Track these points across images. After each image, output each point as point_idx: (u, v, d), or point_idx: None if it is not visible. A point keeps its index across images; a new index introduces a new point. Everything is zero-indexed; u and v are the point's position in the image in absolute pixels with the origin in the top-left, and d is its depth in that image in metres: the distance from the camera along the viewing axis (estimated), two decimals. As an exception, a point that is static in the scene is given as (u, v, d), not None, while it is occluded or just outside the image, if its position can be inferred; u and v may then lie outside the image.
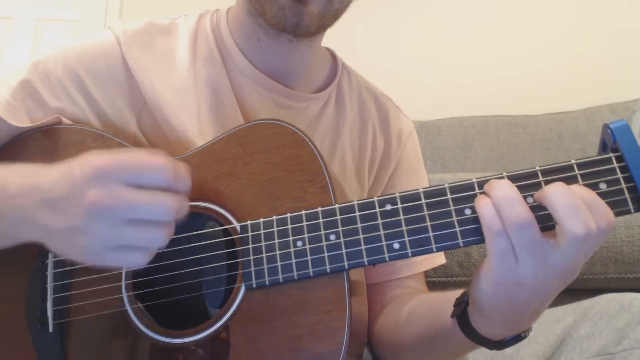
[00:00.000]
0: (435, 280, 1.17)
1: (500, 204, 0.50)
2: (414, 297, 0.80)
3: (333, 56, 0.92)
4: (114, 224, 0.51)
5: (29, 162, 0.71)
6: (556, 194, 0.49)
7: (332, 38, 0.86)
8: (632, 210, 0.50)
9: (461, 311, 0.60)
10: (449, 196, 0.55)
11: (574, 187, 0.50)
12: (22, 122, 0.71)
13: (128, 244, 0.52)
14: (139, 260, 0.53)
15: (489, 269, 0.52)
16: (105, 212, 0.51)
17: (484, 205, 0.51)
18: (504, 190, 0.50)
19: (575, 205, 0.48)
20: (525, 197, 0.52)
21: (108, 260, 0.53)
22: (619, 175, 0.51)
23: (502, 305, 0.54)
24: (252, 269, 0.60)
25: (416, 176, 0.92)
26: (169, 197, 0.52)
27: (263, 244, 0.60)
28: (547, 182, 0.52)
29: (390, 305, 0.82)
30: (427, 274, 0.89)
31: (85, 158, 0.53)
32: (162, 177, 0.52)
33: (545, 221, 0.50)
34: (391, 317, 0.80)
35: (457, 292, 0.63)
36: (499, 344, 0.59)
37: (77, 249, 0.54)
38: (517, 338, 0.58)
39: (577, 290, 1.14)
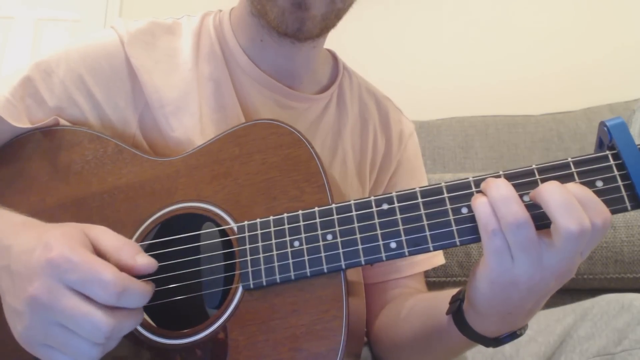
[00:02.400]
0: (435, 280, 1.17)
1: (496, 202, 0.50)
2: (412, 297, 0.80)
3: (334, 57, 0.93)
4: (48, 323, 0.50)
5: (28, 165, 0.72)
6: (549, 192, 0.48)
7: (333, 39, 0.86)
8: (629, 207, 0.50)
9: (456, 308, 0.60)
10: (445, 195, 0.55)
11: (570, 185, 0.49)
12: (21, 121, 0.71)
13: (56, 347, 0.50)
14: None
15: (485, 268, 0.52)
16: (41, 309, 0.49)
17: (480, 204, 0.51)
18: (500, 189, 0.50)
19: (568, 203, 0.48)
20: (521, 196, 0.51)
21: (39, 354, 0.52)
22: (616, 172, 0.51)
23: (497, 304, 0.54)
24: (250, 269, 0.60)
25: (416, 177, 0.92)
26: (102, 317, 0.49)
27: (260, 244, 0.60)
28: (543, 181, 0.51)
29: (389, 305, 0.83)
30: (427, 274, 0.89)
31: (54, 238, 0.51)
32: (103, 294, 0.49)
33: (541, 220, 0.50)
34: (389, 316, 0.80)
35: (454, 291, 0.63)
36: (495, 341, 0.59)
37: (16, 331, 0.53)
38: (513, 335, 0.59)
39: (577, 290, 1.14)
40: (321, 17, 0.72)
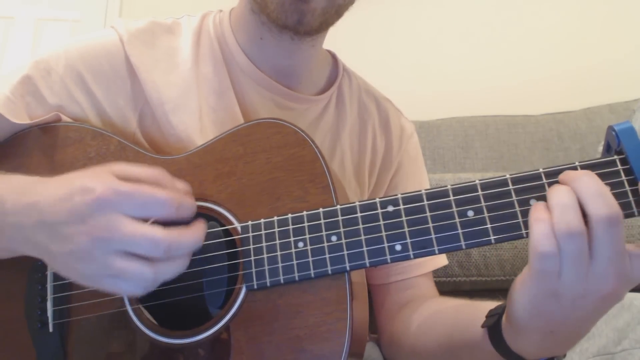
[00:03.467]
0: (435, 280, 1.17)
1: (559, 209, 0.47)
2: (431, 300, 0.80)
3: (334, 58, 0.93)
4: (108, 253, 0.51)
5: (29, 160, 0.72)
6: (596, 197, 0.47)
7: (333, 38, 0.86)
8: (636, 213, 0.50)
9: (494, 322, 0.57)
10: (451, 198, 0.54)
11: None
12: (21, 118, 0.71)
13: (118, 275, 0.52)
14: (132, 290, 0.54)
15: (528, 281, 0.50)
16: (101, 242, 0.51)
17: (537, 221, 0.48)
18: (562, 197, 0.48)
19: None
20: (528, 200, 0.51)
21: (104, 286, 0.53)
22: (623, 177, 0.50)
23: (538, 320, 0.51)
24: (253, 269, 0.60)
25: (417, 178, 0.92)
26: (162, 233, 0.51)
27: (264, 244, 0.60)
28: (550, 185, 0.51)
29: (406, 308, 0.82)
30: (427, 274, 0.90)
31: (88, 180, 0.53)
32: (163, 211, 0.52)
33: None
34: (408, 320, 0.79)
35: (490, 303, 0.61)
36: None
37: (76, 272, 0.54)
38: None
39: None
40: (321, 10, 0.71)
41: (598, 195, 0.47)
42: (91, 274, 0.53)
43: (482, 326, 0.59)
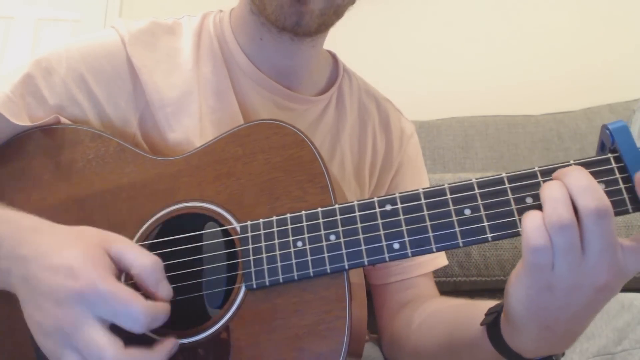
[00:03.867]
0: (435, 280, 1.17)
1: (550, 202, 0.48)
2: (432, 299, 0.80)
3: (335, 59, 0.93)
4: (64, 346, 0.52)
5: (29, 163, 0.72)
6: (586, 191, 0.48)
7: (332, 39, 0.86)
8: (630, 210, 0.50)
9: (492, 320, 0.58)
10: (448, 196, 0.55)
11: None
12: (21, 119, 0.71)
13: None
14: None
15: (523, 275, 0.51)
16: (63, 333, 0.52)
17: (529, 215, 0.49)
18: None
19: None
20: (524, 198, 0.52)
21: None
22: (618, 175, 0.51)
23: (533, 313, 0.52)
24: (252, 269, 0.60)
25: (418, 178, 0.92)
26: (116, 353, 0.51)
27: (263, 244, 0.60)
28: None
29: (407, 307, 0.82)
30: (427, 274, 0.90)
31: (78, 262, 0.53)
32: (133, 326, 0.52)
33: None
34: (409, 319, 0.79)
35: (489, 302, 0.61)
36: None
37: (38, 338, 0.55)
38: (548, 359, 0.56)
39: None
40: (319, 12, 0.71)
41: (587, 189, 0.47)
42: (48, 351, 0.55)
43: (481, 324, 0.60)
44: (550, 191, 0.48)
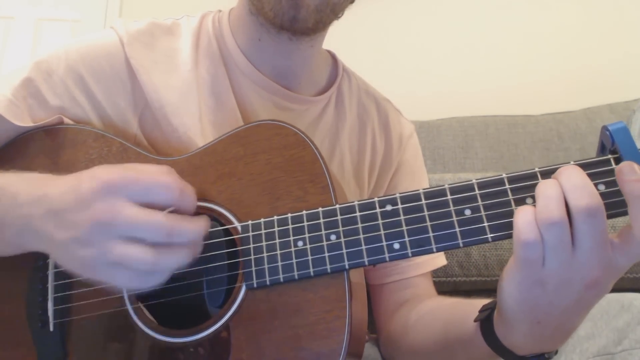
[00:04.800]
0: (435, 281, 1.17)
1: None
2: (429, 299, 0.80)
3: (334, 59, 0.93)
4: (110, 238, 0.52)
5: (32, 162, 0.72)
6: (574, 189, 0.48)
7: (332, 38, 0.86)
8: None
9: (485, 317, 0.59)
10: (449, 197, 0.55)
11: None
12: (24, 121, 0.72)
13: (118, 262, 0.52)
14: (130, 281, 0.53)
15: (514, 270, 0.51)
16: (103, 226, 0.52)
17: (521, 210, 0.50)
18: (548, 189, 0.49)
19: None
20: (524, 198, 0.52)
21: (100, 276, 0.54)
22: None
23: (525, 309, 0.52)
24: (253, 268, 0.60)
25: (417, 178, 0.92)
26: (164, 217, 0.52)
27: (264, 243, 0.60)
28: None
29: (405, 306, 0.83)
30: (427, 274, 0.90)
31: (95, 171, 0.54)
32: (167, 196, 0.53)
33: None
34: (406, 318, 0.80)
35: (484, 300, 0.62)
36: (520, 359, 0.57)
37: (76, 261, 0.55)
38: (540, 357, 0.56)
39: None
40: (315, 7, 0.71)
41: (578, 187, 0.48)
42: (91, 262, 0.53)
43: (475, 320, 0.60)
44: (544, 189, 0.49)
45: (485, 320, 0.59)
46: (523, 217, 0.49)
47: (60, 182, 0.57)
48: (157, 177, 0.53)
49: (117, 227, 0.51)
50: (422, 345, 0.73)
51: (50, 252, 0.57)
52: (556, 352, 0.58)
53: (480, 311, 0.61)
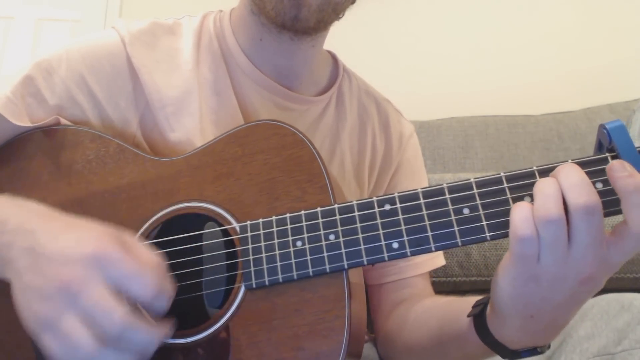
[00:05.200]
0: (435, 280, 1.17)
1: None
2: (426, 298, 0.81)
3: (334, 59, 0.93)
4: (68, 309, 0.50)
5: (29, 163, 0.72)
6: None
7: (333, 38, 0.86)
8: None
9: (478, 312, 0.59)
10: (447, 196, 0.55)
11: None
12: (22, 120, 0.72)
13: (62, 335, 0.50)
14: (63, 354, 0.50)
15: (509, 265, 0.52)
16: (68, 293, 0.50)
17: (517, 206, 0.50)
18: (546, 188, 0.49)
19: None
20: (522, 197, 0.52)
21: (44, 339, 0.51)
22: None
23: (518, 304, 0.53)
24: (252, 269, 0.60)
25: (417, 178, 0.92)
26: (124, 315, 0.49)
27: (262, 244, 0.60)
28: None
29: (402, 305, 0.83)
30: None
31: (91, 232, 0.53)
32: (141, 292, 0.51)
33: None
34: (403, 318, 0.80)
35: (477, 297, 0.62)
36: (513, 354, 0.58)
37: (30, 312, 0.52)
38: (533, 351, 0.57)
39: (577, 290, 1.14)
40: (317, 7, 0.71)
41: (576, 185, 0.48)
42: (42, 319, 0.51)
43: (468, 315, 0.61)
44: (543, 186, 0.49)
45: (478, 315, 0.59)
46: (519, 213, 0.49)
47: (52, 225, 0.55)
48: (140, 270, 0.51)
49: (79, 301, 0.50)
50: (418, 343, 0.73)
51: (13, 292, 0.55)
52: (549, 347, 0.59)
53: (474, 306, 0.61)
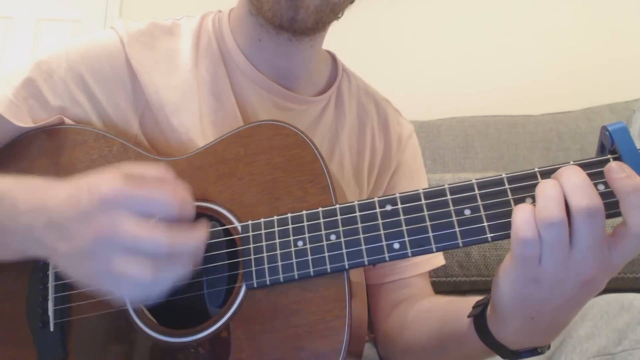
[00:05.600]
0: (435, 280, 1.17)
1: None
2: (426, 298, 0.81)
3: (334, 59, 0.93)
4: (110, 252, 0.51)
5: (33, 163, 0.72)
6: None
7: (332, 38, 0.86)
8: None
9: (479, 312, 0.59)
10: (448, 197, 0.55)
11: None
12: (24, 121, 0.72)
13: (120, 275, 0.51)
14: (131, 294, 0.53)
15: (511, 267, 0.52)
16: (104, 241, 0.51)
17: (519, 208, 0.50)
18: (547, 190, 0.49)
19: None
20: (524, 198, 0.52)
21: (107, 287, 0.53)
22: None
23: (519, 305, 0.53)
24: (253, 268, 0.60)
25: (416, 178, 0.92)
26: (164, 233, 0.51)
27: (264, 243, 0.60)
28: None
29: (402, 305, 0.83)
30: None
31: (93, 181, 0.54)
32: (167, 209, 0.52)
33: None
34: (403, 317, 0.80)
35: (477, 297, 0.62)
36: (513, 354, 0.58)
37: (80, 272, 0.55)
38: (533, 352, 0.57)
39: (577, 290, 1.14)
40: (314, 8, 0.71)
41: (579, 188, 0.48)
42: (95, 273, 0.53)
43: (468, 316, 0.61)
44: (545, 189, 0.49)
45: (479, 316, 0.59)
46: (521, 215, 0.49)
47: (60, 191, 0.56)
48: (156, 191, 0.52)
49: (118, 241, 0.51)
50: (418, 343, 0.73)
51: (53, 262, 0.57)
52: (549, 347, 0.59)
53: (474, 307, 0.61)
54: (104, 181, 0.53)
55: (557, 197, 0.48)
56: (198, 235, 0.54)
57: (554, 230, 0.48)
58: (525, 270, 0.50)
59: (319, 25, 0.75)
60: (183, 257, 0.52)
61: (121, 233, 0.51)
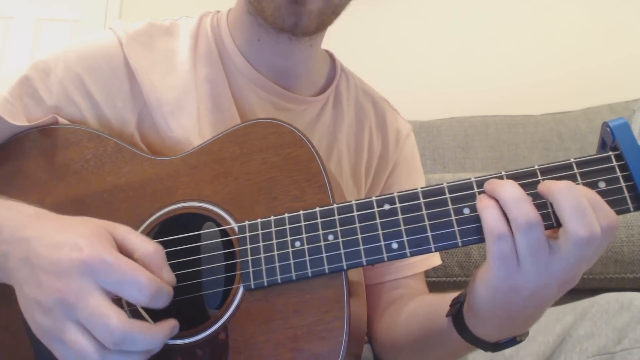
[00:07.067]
0: (435, 280, 1.17)
1: (508, 204, 0.49)
2: (414, 298, 0.80)
3: (332, 59, 0.93)
4: (68, 319, 0.51)
5: (27, 163, 0.72)
6: (563, 194, 0.48)
7: (332, 38, 0.86)
8: (632, 209, 0.50)
9: (456, 311, 0.60)
10: (447, 195, 0.55)
11: (579, 187, 0.49)
12: (19, 120, 0.72)
13: (69, 343, 0.51)
14: None
15: (488, 273, 0.52)
16: (65, 305, 0.51)
17: (486, 208, 0.51)
18: (511, 190, 0.50)
19: (582, 207, 0.48)
20: None
21: (54, 349, 0.53)
22: (618, 173, 0.51)
23: (498, 310, 0.54)
24: (250, 269, 0.60)
25: (413, 177, 0.92)
26: (121, 322, 0.50)
27: (261, 244, 0.60)
28: (545, 181, 0.51)
29: (392, 306, 0.83)
30: (426, 273, 0.90)
31: (81, 238, 0.53)
32: (138, 295, 0.51)
33: (545, 221, 0.50)
34: (392, 317, 0.80)
35: (455, 293, 0.63)
36: (494, 346, 0.59)
37: (35, 322, 0.54)
38: (513, 341, 0.58)
39: (577, 290, 1.13)
40: (317, 12, 0.71)
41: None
42: (46, 331, 0.53)
43: (446, 315, 0.62)
44: (509, 191, 0.50)
45: (457, 313, 0.60)
46: (491, 213, 0.50)
47: (46, 231, 0.55)
48: (134, 273, 0.51)
49: (77, 311, 0.50)
50: (404, 342, 0.74)
51: (17, 295, 0.56)
52: (527, 334, 0.60)
53: (451, 305, 0.62)
54: (90, 243, 0.52)
55: (525, 197, 0.50)
56: (157, 334, 0.53)
57: (534, 231, 0.49)
58: (505, 276, 0.51)
59: (320, 27, 0.75)
60: (134, 349, 0.51)
61: (82, 304, 0.50)
